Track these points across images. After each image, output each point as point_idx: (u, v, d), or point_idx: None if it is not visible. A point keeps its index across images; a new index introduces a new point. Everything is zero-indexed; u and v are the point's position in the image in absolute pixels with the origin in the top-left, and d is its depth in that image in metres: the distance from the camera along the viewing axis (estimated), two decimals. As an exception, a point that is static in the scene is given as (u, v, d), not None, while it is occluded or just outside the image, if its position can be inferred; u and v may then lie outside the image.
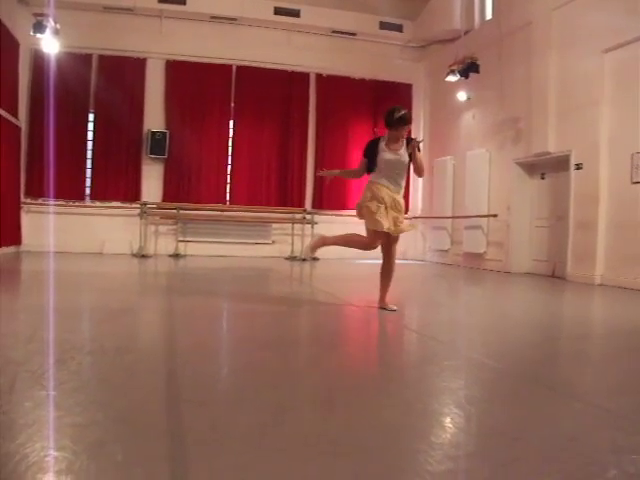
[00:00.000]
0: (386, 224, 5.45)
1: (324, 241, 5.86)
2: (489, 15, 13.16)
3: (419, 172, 5.79)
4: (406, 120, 5.52)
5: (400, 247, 15.65)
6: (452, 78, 12.45)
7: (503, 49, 12.00)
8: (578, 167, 9.89)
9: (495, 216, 12.16)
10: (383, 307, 5.79)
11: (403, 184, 5.76)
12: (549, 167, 11.22)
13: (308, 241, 13.56)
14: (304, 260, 13.51)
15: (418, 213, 15.57)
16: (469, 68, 12.02)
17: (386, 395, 2.95)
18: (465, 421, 2.53)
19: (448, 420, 2.55)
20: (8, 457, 1.89)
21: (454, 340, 4.61)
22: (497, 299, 8.09)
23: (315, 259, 5.40)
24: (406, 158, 5.61)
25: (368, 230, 5.61)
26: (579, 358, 4.10)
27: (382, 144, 5.62)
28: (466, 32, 13.16)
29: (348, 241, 5.78)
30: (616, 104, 9.24)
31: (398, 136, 5.59)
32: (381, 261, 5.86)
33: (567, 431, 2.44)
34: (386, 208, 5.51)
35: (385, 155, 5.56)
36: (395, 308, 5.76)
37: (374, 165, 5.62)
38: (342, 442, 2.22)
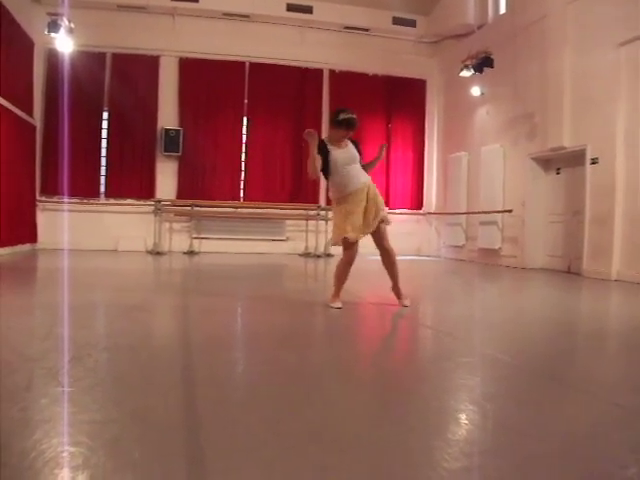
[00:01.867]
0: (350, 232, 5.41)
1: (335, 290, 5.69)
2: (503, 9, 13.08)
3: (368, 172, 5.71)
4: (349, 124, 5.46)
5: (414, 243, 15.53)
6: (466, 73, 12.39)
7: (517, 43, 11.92)
8: (594, 162, 9.81)
9: (510, 212, 12.10)
10: (398, 298, 5.78)
11: (362, 172, 5.58)
12: (564, 162, 11.14)
13: (322, 238, 13.59)
14: (318, 257, 13.54)
15: (432, 209, 15.54)
16: (483, 63, 11.95)
17: (402, 391, 2.94)
18: (481, 418, 2.51)
19: (464, 417, 2.53)
20: (25, 453, 1.90)
21: (469, 336, 4.59)
22: (512, 295, 8.05)
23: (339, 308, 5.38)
24: (355, 153, 5.52)
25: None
26: (595, 355, 4.06)
27: (328, 145, 5.52)
28: (480, 27, 13.10)
29: (339, 273, 5.67)
30: (633, 98, 9.13)
31: (338, 137, 5.51)
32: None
33: (584, 428, 2.43)
34: (352, 214, 5.44)
35: (334, 153, 5.46)
36: (407, 304, 5.74)
37: (328, 169, 5.51)
38: (358, 438, 2.22)
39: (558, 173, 11.43)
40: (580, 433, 2.36)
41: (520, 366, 3.54)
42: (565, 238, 11.08)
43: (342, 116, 5.45)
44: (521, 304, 7.02)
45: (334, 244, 5.71)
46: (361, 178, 5.53)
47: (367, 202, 5.50)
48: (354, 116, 5.49)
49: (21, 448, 1.95)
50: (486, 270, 11.55)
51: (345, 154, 5.49)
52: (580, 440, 2.27)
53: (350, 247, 5.52)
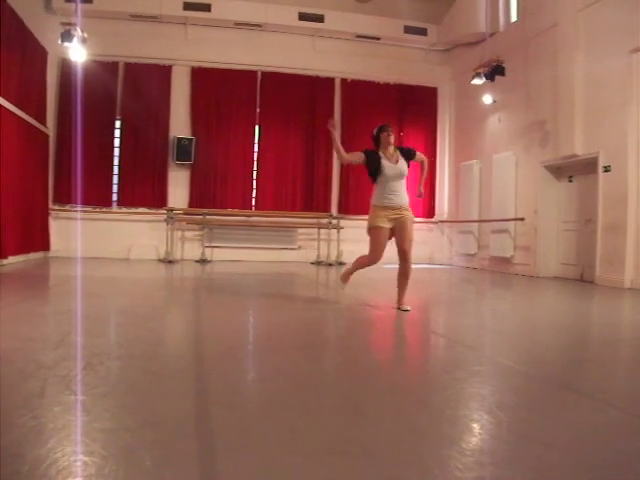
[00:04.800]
0: (375, 258, 6.11)
1: (348, 271, 6.52)
2: (514, 17, 13.08)
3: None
4: (381, 129, 6.08)
5: (426, 251, 15.52)
6: (477, 81, 12.37)
7: (529, 51, 11.92)
8: (606, 169, 9.76)
9: (522, 220, 12.06)
10: (399, 307, 6.09)
11: (405, 193, 6.10)
12: (577, 170, 11.10)
13: (334, 247, 13.61)
14: (330, 265, 13.53)
15: (444, 217, 15.50)
16: (495, 71, 11.93)
17: (415, 400, 2.93)
18: (496, 427, 2.49)
19: (478, 426, 2.52)
20: (38, 461, 1.90)
21: (482, 345, 4.57)
22: (525, 303, 8.00)
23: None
24: (404, 170, 6.06)
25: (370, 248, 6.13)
26: (609, 364, 4.03)
27: (381, 154, 6.06)
28: (491, 34, 13.09)
29: (360, 265, 6.34)
30: (645, 105, 9.11)
31: (386, 145, 6.06)
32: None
33: (600, 438, 2.40)
34: (386, 228, 6.01)
35: (387, 165, 5.98)
36: (408, 308, 6.03)
37: (379, 173, 6.00)
38: (372, 447, 2.21)
39: (570, 181, 11.39)
40: (595, 442, 2.34)
41: (533, 375, 3.52)
42: (578, 246, 11.02)
43: (375, 130, 6.15)
44: (533, 312, 6.98)
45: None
46: (402, 199, 6.05)
47: (399, 226, 6.01)
48: (383, 125, 6.16)
49: (34, 456, 1.95)
50: (498, 278, 11.50)
51: (395, 170, 6.00)
52: (598, 450, 2.25)
53: (376, 251, 6.08)
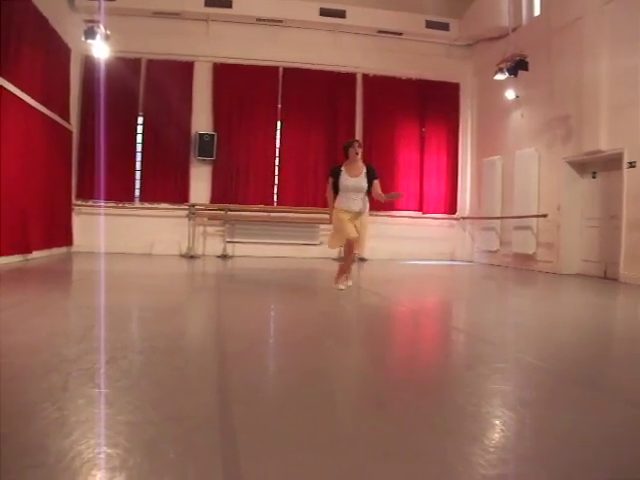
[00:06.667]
0: (347, 234, 6.90)
1: (341, 271, 7.25)
2: (537, 11, 12.94)
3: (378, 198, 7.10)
4: (351, 143, 6.96)
5: (448, 248, 15.51)
6: (500, 76, 12.25)
7: (553, 45, 11.78)
8: (631, 165, 9.64)
9: (545, 216, 11.94)
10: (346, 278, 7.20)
11: (364, 201, 6.95)
12: (601, 166, 10.97)
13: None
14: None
15: (466, 213, 15.40)
16: (518, 66, 11.80)
17: (437, 397, 2.92)
18: (518, 424, 2.48)
19: (501, 423, 2.50)
20: (62, 454, 1.92)
21: (504, 341, 4.54)
22: (547, 301, 7.94)
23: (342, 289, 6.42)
24: (364, 184, 6.82)
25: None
26: (632, 361, 3.98)
27: (343, 170, 6.90)
28: (514, 29, 12.95)
29: (347, 261, 7.26)
30: (671, 100, 8.99)
31: (351, 160, 6.89)
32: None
33: (624, 436, 2.38)
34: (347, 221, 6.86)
35: (344, 180, 6.82)
36: (347, 285, 7.20)
37: (338, 188, 6.88)
38: (393, 444, 2.20)
39: (594, 177, 11.26)
40: (618, 440, 2.32)
41: (555, 372, 3.49)
42: (601, 243, 10.89)
43: (345, 144, 7.09)
44: (555, 309, 6.92)
45: (331, 247, 7.42)
46: (359, 206, 6.88)
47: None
48: (351, 141, 7.13)
49: (59, 448, 1.97)
50: (520, 275, 11.41)
51: (355, 184, 6.81)
52: (622, 448, 2.23)
53: (345, 246, 7.13)
